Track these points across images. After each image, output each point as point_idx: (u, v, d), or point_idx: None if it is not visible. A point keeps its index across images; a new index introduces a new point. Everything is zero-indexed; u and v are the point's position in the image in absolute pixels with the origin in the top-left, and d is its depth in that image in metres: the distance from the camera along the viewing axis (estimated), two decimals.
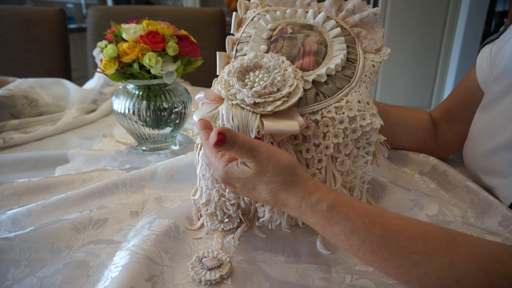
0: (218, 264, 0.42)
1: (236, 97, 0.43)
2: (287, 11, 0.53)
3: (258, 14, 0.54)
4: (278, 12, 0.53)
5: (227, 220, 0.51)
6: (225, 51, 0.52)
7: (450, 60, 3.00)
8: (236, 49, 0.52)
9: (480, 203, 0.53)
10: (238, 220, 0.51)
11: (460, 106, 0.62)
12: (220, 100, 0.45)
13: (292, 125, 0.42)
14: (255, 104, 0.42)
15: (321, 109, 0.45)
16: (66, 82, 1.09)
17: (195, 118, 0.46)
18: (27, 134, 0.83)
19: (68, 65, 1.51)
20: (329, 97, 0.46)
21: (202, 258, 0.43)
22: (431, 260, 0.30)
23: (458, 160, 0.68)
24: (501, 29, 0.54)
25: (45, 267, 0.43)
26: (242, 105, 0.42)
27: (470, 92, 0.60)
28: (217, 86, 0.46)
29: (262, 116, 0.42)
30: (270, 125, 0.41)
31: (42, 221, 0.50)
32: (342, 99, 0.46)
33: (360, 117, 0.45)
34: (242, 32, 0.52)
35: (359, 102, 0.46)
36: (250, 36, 0.51)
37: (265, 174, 0.37)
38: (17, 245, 0.45)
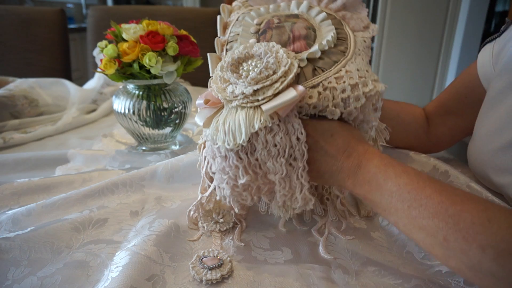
0: (219, 263, 0.42)
1: (233, 96, 0.42)
2: (271, 6, 0.53)
3: (242, 13, 0.53)
4: (262, 9, 0.53)
5: (222, 220, 0.51)
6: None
7: (450, 60, 3.00)
8: (226, 49, 0.51)
9: None
10: (233, 221, 0.51)
11: (456, 99, 0.62)
12: (220, 102, 0.45)
13: (289, 94, 0.40)
14: (255, 92, 0.41)
15: (321, 81, 0.44)
16: (66, 82, 1.09)
17: (198, 121, 0.46)
18: (27, 134, 0.83)
19: (68, 65, 1.51)
20: (327, 70, 0.45)
21: (202, 258, 0.43)
22: (469, 202, 0.34)
23: (459, 160, 0.68)
24: (502, 28, 0.55)
25: (45, 267, 0.43)
26: (242, 105, 0.42)
27: (469, 86, 0.60)
28: (214, 86, 0.45)
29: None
30: (267, 105, 0.40)
31: (42, 221, 0.50)
32: (341, 70, 0.45)
33: (362, 84, 0.44)
34: (230, 33, 0.52)
35: (358, 70, 0.45)
36: (238, 34, 0.50)
37: (346, 124, 0.45)
38: (17, 245, 0.45)
